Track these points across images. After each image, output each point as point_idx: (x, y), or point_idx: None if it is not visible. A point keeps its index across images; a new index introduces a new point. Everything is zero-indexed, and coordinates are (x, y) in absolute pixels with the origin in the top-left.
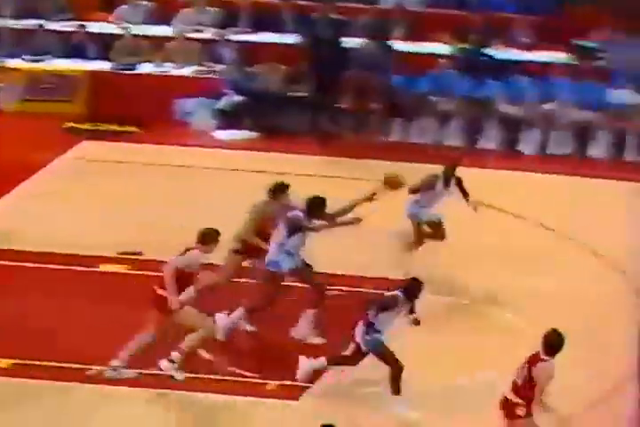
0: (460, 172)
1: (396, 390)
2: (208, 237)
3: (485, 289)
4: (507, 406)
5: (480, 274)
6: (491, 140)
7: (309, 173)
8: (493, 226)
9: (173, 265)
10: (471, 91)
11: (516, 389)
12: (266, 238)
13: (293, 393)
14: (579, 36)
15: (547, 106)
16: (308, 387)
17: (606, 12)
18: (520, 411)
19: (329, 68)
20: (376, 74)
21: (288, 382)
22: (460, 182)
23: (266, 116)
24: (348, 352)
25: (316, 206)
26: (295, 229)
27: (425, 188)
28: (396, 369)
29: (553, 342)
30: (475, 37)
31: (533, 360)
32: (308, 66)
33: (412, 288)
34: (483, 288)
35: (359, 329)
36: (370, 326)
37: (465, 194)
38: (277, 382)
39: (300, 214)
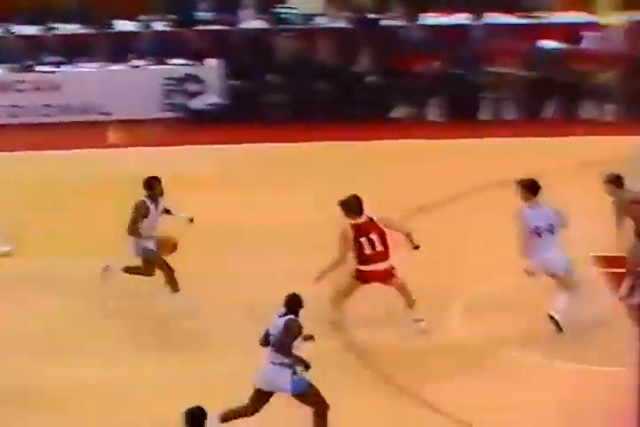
0: None
1: None
2: None
3: None
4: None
5: None
6: None
7: None
8: None
9: None
10: None
11: (385, 255)
12: None
13: None
14: None
15: None
16: None
17: None
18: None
19: None
20: None
21: None
22: None
23: None
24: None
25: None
26: None
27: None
28: (323, 408)
29: (351, 205)
30: None
31: (372, 227)
32: None
33: (296, 304)
34: None
35: (275, 372)
36: (292, 366)
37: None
38: None
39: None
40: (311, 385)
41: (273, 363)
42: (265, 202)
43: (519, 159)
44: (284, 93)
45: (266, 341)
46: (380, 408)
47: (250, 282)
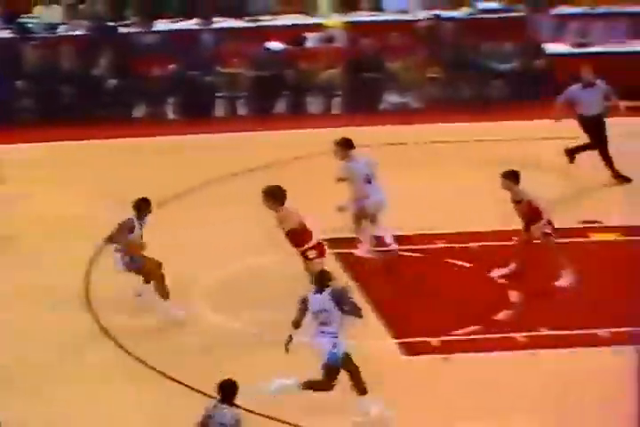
0: None
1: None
2: None
3: None
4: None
5: None
6: None
7: None
8: None
9: None
10: None
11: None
12: None
13: None
14: None
15: None
16: None
17: None
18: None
19: None
20: None
21: None
22: None
23: None
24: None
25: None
26: None
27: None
28: (356, 371)
29: (278, 195)
30: None
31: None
32: None
33: (327, 279)
34: None
35: (325, 341)
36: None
37: None
38: None
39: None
40: (342, 356)
41: (320, 333)
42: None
43: (252, 152)
44: (33, 98)
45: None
46: (141, 395)
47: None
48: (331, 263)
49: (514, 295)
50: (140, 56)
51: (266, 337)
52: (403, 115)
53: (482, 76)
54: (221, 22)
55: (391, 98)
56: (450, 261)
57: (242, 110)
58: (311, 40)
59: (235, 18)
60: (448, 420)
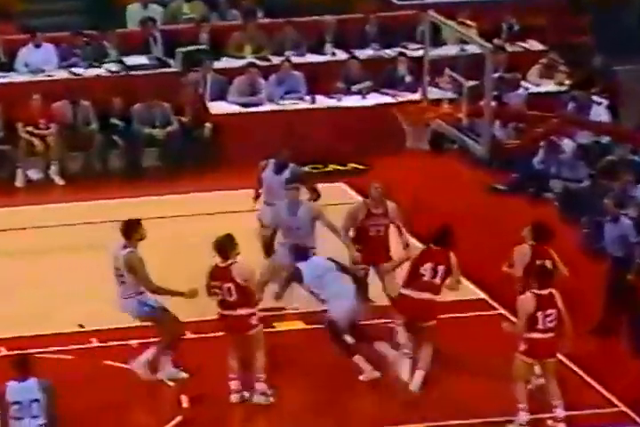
0: None
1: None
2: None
3: None
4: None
5: None
6: None
7: None
8: None
9: None
10: None
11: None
12: None
13: None
14: None
15: None
16: None
17: None
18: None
19: None
20: None
21: None
22: None
23: None
24: None
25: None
26: None
27: None
28: None
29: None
30: None
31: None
32: None
33: None
34: None
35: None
36: None
37: None
38: None
39: None
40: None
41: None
42: None
43: None
44: None
45: None
46: None
47: None
48: None
49: (185, 400)
50: None
51: None
52: (42, 192)
53: (133, 143)
54: None
55: (30, 173)
56: (109, 363)
57: None
58: None
59: None
60: None
